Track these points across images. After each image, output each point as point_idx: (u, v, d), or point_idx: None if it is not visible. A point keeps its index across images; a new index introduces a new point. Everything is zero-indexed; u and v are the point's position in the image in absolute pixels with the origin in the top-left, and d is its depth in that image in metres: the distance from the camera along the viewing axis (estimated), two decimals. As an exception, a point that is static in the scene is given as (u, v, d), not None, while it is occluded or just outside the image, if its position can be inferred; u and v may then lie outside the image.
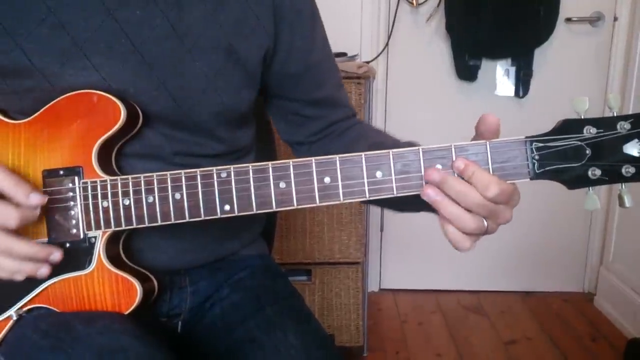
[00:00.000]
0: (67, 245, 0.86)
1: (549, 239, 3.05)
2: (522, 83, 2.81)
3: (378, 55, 2.80)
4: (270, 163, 0.80)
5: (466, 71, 2.80)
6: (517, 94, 2.84)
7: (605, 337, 2.63)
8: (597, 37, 2.81)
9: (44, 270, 0.84)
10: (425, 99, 2.92)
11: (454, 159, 0.76)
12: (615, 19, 2.77)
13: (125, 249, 0.90)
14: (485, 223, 0.76)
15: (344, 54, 2.42)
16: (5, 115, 0.91)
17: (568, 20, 2.76)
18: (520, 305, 2.97)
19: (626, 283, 2.68)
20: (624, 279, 2.71)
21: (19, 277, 0.84)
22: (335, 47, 2.46)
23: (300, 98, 1.08)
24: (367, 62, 2.59)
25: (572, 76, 2.83)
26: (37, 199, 0.82)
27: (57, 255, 0.84)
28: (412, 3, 2.77)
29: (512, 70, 2.84)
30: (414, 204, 0.87)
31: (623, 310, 2.68)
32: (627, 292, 2.65)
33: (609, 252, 2.86)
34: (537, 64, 2.78)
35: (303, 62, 1.04)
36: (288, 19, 1.00)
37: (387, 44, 2.82)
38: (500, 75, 2.86)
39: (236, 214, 0.81)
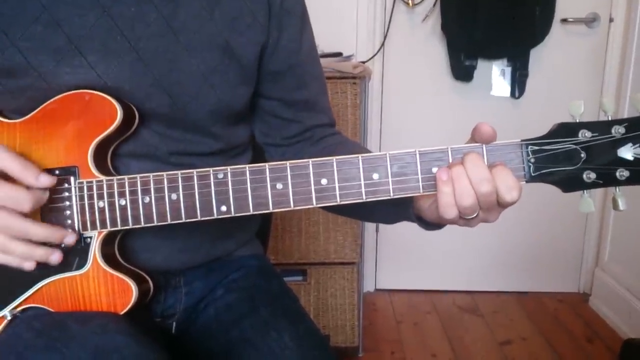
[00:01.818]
0: (62, 245, 0.85)
1: (545, 239, 3.05)
2: (518, 83, 2.81)
3: (374, 55, 2.80)
4: (267, 164, 0.80)
5: (462, 71, 2.81)
6: (512, 94, 2.84)
7: (600, 337, 2.63)
8: (592, 37, 2.81)
9: (56, 256, 0.84)
10: (421, 99, 2.92)
11: (450, 161, 0.76)
12: (611, 19, 2.77)
13: (119, 249, 0.90)
14: (478, 211, 0.77)
15: (339, 54, 2.42)
16: (0, 114, 0.91)
17: (564, 20, 2.77)
18: (515, 305, 2.97)
19: (621, 284, 2.69)
20: (620, 280, 2.71)
21: (29, 266, 0.84)
22: (331, 47, 2.47)
23: (280, 97, 1.06)
24: (363, 62, 2.58)
25: (567, 77, 2.83)
26: (47, 180, 0.81)
27: (70, 238, 0.84)
28: (408, 3, 2.77)
29: (508, 70, 2.84)
30: (403, 212, 0.88)
31: (618, 311, 2.69)
32: (623, 292, 2.65)
33: (605, 252, 2.86)
34: (532, 64, 2.79)
35: (286, 62, 1.03)
36: (277, 17, 1.00)
37: (382, 44, 2.82)
38: (496, 76, 2.86)
39: (233, 214, 0.81)
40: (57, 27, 0.86)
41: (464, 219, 0.78)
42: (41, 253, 0.83)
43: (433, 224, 0.86)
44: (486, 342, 2.61)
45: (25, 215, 0.81)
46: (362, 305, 2.44)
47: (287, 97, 1.06)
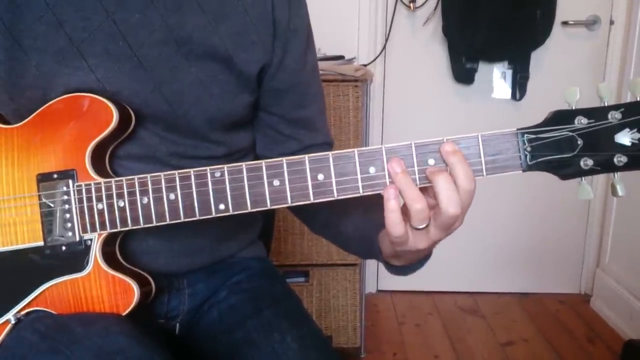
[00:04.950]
0: (63, 248, 0.86)
1: (546, 240, 3.05)
2: (519, 86, 2.81)
3: (375, 58, 2.81)
4: (263, 161, 0.80)
5: (463, 74, 2.81)
6: (513, 96, 2.85)
7: (601, 338, 2.63)
8: (593, 40, 2.82)
9: None
10: (422, 101, 2.92)
11: None
12: (612, 22, 2.78)
13: (122, 253, 0.91)
14: (426, 222, 0.77)
15: (341, 57, 2.42)
16: None
17: (564, 23, 2.77)
18: (516, 306, 2.97)
19: (622, 284, 2.69)
20: (621, 281, 2.71)
21: None
22: (332, 50, 2.48)
23: (280, 114, 1.06)
24: (365, 65, 2.59)
25: (568, 79, 2.83)
26: None
27: None
28: (409, 6, 2.78)
29: (509, 73, 2.85)
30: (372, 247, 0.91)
31: (619, 312, 2.69)
32: (624, 293, 2.65)
33: (606, 253, 2.86)
34: (533, 67, 2.79)
35: (289, 81, 1.03)
36: (283, 37, 0.99)
37: (384, 47, 2.83)
38: (497, 78, 2.87)
39: (231, 212, 0.81)
40: (60, 28, 0.87)
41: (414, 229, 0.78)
42: None
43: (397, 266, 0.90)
44: (488, 343, 2.61)
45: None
46: (364, 307, 2.44)
47: (287, 115, 1.06)
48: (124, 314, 0.87)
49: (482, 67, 2.83)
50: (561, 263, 3.09)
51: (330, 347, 1.02)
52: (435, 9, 2.77)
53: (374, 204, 0.83)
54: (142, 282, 0.89)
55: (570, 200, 2.77)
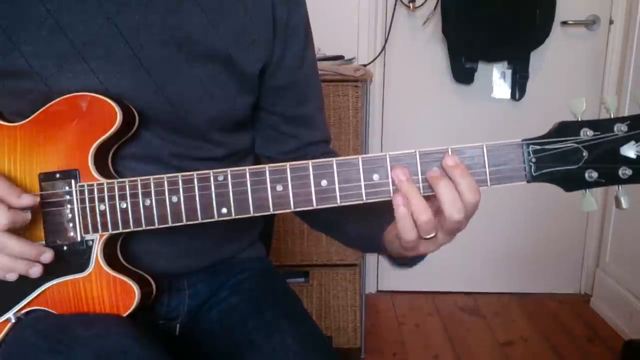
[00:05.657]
0: (65, 248, 0.86)
1: (546, 240, 3.05)
2: (519, 86, 2.81)
3: (375, 58, 2.81)
4: (267, 166, 0.79)
5: (463, 74, 2.81)
6: (513, 96, 2.85)
7: (601, 338, 2.63)
8: (593, 40, 2.82)
9: (36, 270, 0.84)
10: (422, 101, 2.92)
11: None
12: (611, 22, 2.77)
13: (123, 254, 0.91)
14: (434, 232, 0.77)
15: (341, 57, 2.42)
16: (1, 117, 0.92)
17: (564, 23, 2.77)
18: (516, 306, 2.97)
19: (622, 285, 2.69)
20: (621, 281, 2.71)
21: (12, 277, 0.84)
22: (332, 50, 2.48)
23: (280, 112, 1.07)
24: (364, 65, 2.59)
25: (568, 79, 2.84)
26: (28, 200, 0.82)
27: (47, 255, 0.84)
28: (409, 7, 2.77)
29: (509, 73, 2.84)
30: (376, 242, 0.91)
31: (619, 312, 2.69)
32: (624, 293, 2.65)
33: (606, 253, 2.86)
34: (533, 67, 2.79)
35: (289, 78, 1.04)
36: (282, 35, 1.00)
37: (384, 47, 2.82)
38: (496, 78, 2.87)
39: (233, 216, 0.81)
40: (61, 33, 0.87)
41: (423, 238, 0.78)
42: (22, 266, 0.83)
43: (400, 259, 0.90)
44: (487, 343, 2.61)
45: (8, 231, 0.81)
46: (364, 307, 2.44)
47: (287, 113, 1.07)
48: (124, 315, 0.87)
49: (482, 67, 2.82)
50: (561, 263, 3.09)
51: (331, 347, 1.02)
52: (434, 9, 2.76)
53: (378, 204, 0.83)
54: (143, 284, 0.89)
55: (570, 200, 2.76)
